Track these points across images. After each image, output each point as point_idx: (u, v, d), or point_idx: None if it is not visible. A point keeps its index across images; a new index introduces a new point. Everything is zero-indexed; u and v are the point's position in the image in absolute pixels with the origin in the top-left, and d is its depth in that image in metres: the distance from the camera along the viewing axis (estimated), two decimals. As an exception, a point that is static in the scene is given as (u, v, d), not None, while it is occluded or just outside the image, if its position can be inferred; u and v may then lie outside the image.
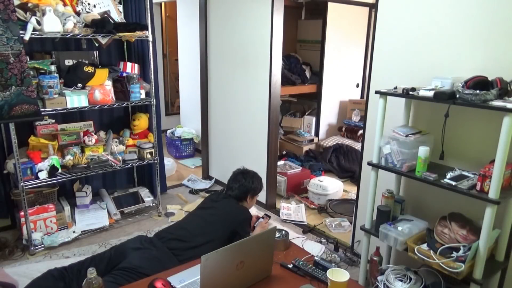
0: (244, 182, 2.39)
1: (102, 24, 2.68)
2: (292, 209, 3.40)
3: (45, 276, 1.95)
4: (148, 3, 3.03)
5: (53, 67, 2.67)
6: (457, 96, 1.73)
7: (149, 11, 3.03)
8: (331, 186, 3.56)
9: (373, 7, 2.56)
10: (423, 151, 1.86)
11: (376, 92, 2.04)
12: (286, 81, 4.33)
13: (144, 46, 3.28)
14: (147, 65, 3.20)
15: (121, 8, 3.07)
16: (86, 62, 2.93)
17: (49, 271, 1.96)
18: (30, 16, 2.43)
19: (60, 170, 2.72)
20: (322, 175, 3.96)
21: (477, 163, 1.91)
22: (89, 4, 2.83)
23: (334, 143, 4.52)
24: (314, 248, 2.75)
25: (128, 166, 3.07)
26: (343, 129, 4.72)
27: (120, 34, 2.78)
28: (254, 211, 3.33)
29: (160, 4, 5.74)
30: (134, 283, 1.72)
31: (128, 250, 2.03)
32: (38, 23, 2.44)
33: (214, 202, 2.39)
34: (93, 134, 2.95)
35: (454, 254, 1.73)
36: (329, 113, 4.81)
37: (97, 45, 2.99)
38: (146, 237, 2.18)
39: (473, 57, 1.92)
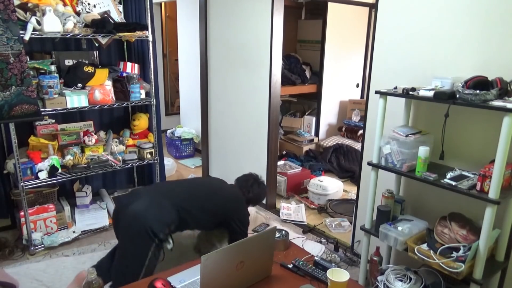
0: (257, 192, 2.54)
1: (102, 24, 2.68)
2: (292, 209, 3.40)
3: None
4: (148, 3, 3.03)
5: (53, 67, 2.67)
6: (457, 96, 1.73)
7: (149, 11, 3.03)
8: (331, 186, 3.56)
9: (373, 7, 2.56)
10: (423, 151, 1.86)
11: (376, 92, 2.04)
12: (286, 81, 4.33)
13: (144, 46, 3.28)
14: (147, 65, 3.20)
15: (121, 8, 3.07)
16: (86, 62, 2.93)
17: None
18: (30, 16, 2.43)
19: (60, 170, 2.72)
20: (322, 175, 3.95)
21: (477, 163, 1.91)
22: (89, 4, 2.83)
23: (334, 143, 4.52)
24: (314, 248, 2.75)
25: (128, 166, 3.07)
26: (343, 129, 4.72)
27: (120, 34, 2.78)
28: (254, 211, 3.34)
29: (160, 4, 5.74)
30: (135, 283, 1.72)
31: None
32: (38, 23, 2.44)
33: (225, 190, 2.47)
34: (93, 134, 2.95)
35: (454, 254, 1.73)
36: (329, 113, 4.81)
37: (97, 45, 2.99)
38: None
39: (473, 57, 1.92)
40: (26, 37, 2.38)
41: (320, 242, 2.89)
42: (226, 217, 2.28)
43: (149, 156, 3.18)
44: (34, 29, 2.42)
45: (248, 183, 2.54)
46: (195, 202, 2.21)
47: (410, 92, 1.90)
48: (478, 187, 1.69)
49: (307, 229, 3.09)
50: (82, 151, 2.92)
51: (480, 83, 1.69)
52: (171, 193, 2.22)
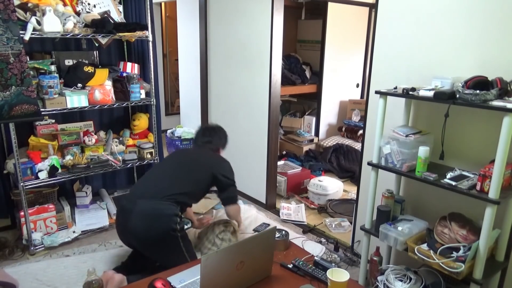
0: (223, 135, 2.74)
1: (102, 24, 2.68)
2: (292, 209, 3.39)
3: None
4: (148, 3, 3.03)
5: (53, 67, 2.67)
6: (457, 96, 1.73)
7: (149, 11, 3.03)
8: (331, 186, 3.56)
9: (373, 7, 2.56)
10: (423, 151, 1.86)
11: (376, 92, 2.04)
12: (286, 81, 4.33)
13: (144, 46, 3.28)
14: (147, 65, 3.20)
15: (121, 8, 3.07)
16: (86, 62, 2.93)
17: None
18: (30, 16, 2.43)
19: (60, 170, 2.72)
20: (322, 175, 3.95)
21: (477, 163, 1.91)
22: (89, 4, 2.83)
23: (334, 143, 4.52)
24: (314, 248, 2.75)
25: (128, 166, 3.07)
26: (343, 129, 4.72)
27: (120, 34, 2.78)
28: (254, 211, 3.34)
29: (160, 4, 5.74)
30: (134, 283, 1.72)
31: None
32: (38, 23, 2.44)
33: (193, 154, 2.62)
34: (93, 134, 2.95)
35: (454, 254, 1.73)
36: (329, 113, 4.81)
37: (97, 45, 2.99)
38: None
39: (473, 57, 1.92)
40: (26, 37, 2.38)
41: (320, 242, 2.89)
42: (213, 177, 2.44)
43: (149, 156, 3.18)
44: (34, 29, 2.42)
45: (213, 134, 2.68)
46: (185, 184, 2.32)
47: (410, 92, 1.90)
48: (478, 187, 1.69)
49: (307, 229, 3.09)
50: (82, 151, 2.92)
51: (480, 83, 1.69)
52: (160, 187, 2.29)
